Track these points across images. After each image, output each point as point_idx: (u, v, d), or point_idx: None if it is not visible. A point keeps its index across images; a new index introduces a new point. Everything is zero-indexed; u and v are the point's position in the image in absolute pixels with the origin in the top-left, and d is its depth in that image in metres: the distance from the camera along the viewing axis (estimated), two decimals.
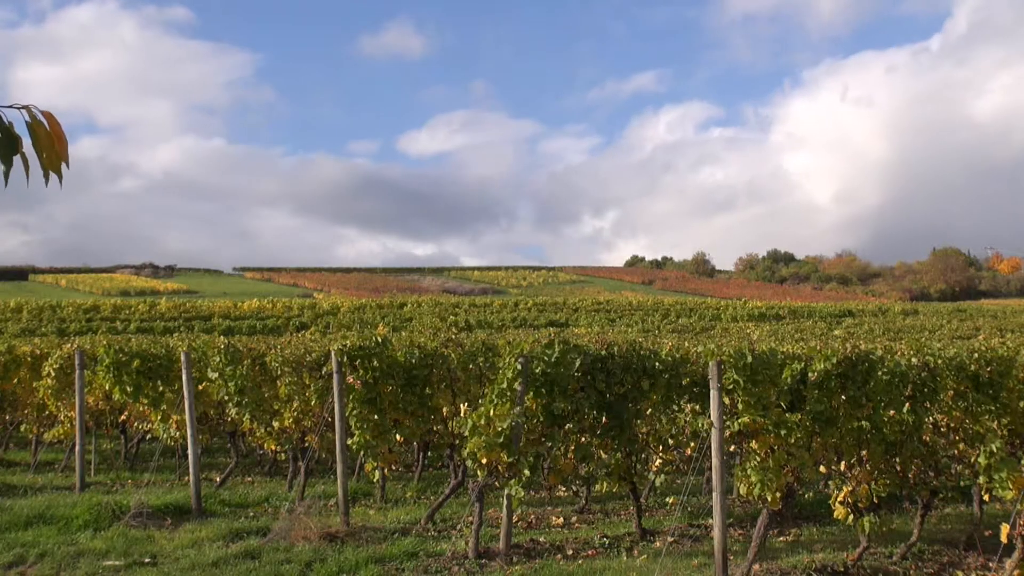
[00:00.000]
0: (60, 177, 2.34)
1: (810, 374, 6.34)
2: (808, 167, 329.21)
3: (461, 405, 8.54)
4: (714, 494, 6.18)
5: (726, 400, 6.25)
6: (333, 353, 8.08)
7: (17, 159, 2.28)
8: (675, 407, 7.59)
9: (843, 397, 6.45)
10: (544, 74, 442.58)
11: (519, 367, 6.77)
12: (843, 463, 6.71)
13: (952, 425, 6.99)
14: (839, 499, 6.66)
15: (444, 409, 8.80)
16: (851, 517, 6.59)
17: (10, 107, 2.26)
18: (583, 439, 7.45)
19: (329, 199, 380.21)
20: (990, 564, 6.65)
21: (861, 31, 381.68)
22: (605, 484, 7.62)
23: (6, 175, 2.27)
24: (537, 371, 6.84)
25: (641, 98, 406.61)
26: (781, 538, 7.72)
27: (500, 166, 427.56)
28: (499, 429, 6.68)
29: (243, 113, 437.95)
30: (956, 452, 6.89)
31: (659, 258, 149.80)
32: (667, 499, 9.35)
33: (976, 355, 6.92)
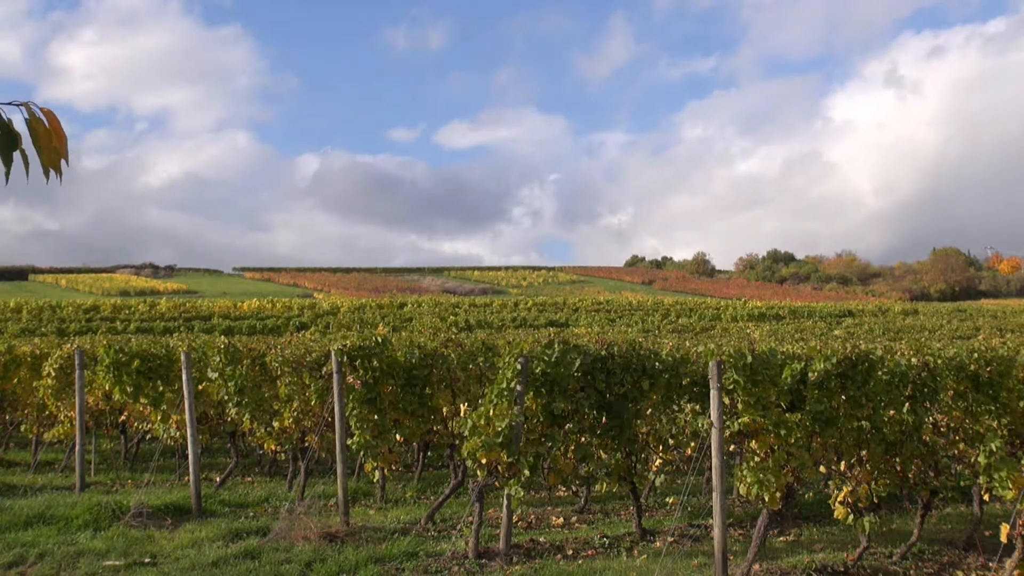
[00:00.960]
0: (60, 174, 2.34)
1: (810, 374, 6.33)
2: (851, 159, 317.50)
3: (461, 405, 8.54)
4: (714, 494, 6.17)
5: (726, 400, 6.25)
6: (333, 353, 8.08)
7: (17, 156, 2.28)
8: (675, 407, 7.58)
9: (843, 397, 6.45)
10: (574, 64, 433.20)
11: (519, 367, 6.77)
12: (843, 463, 6.70)
13: (952, 425, 6.98)
14: (839, 499, 6.65)
15: (444, 409, 8.80)
16: (851, 517, 6.58)
17: (9, 104, 2.25)
18: (583, 439, 7.44)
19: (353, 195, 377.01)
20: (990, 564, 6.64)
21: (914, 13, 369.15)
22: (605, 484, 7.61)
23: (7, 173, 2.26)
24: (537, 371, 6.83)
25: (679, 88, 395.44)
26: (781, 538, 7.72)
27: (526, 162, 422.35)
28: (499, 429, 6.68)
29: (268, 103, 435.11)
30: (956, 452, 6.88)
31: (659, 258, 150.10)
32: (667, 499, 9.34)
33: (976, 355, 6.92)
